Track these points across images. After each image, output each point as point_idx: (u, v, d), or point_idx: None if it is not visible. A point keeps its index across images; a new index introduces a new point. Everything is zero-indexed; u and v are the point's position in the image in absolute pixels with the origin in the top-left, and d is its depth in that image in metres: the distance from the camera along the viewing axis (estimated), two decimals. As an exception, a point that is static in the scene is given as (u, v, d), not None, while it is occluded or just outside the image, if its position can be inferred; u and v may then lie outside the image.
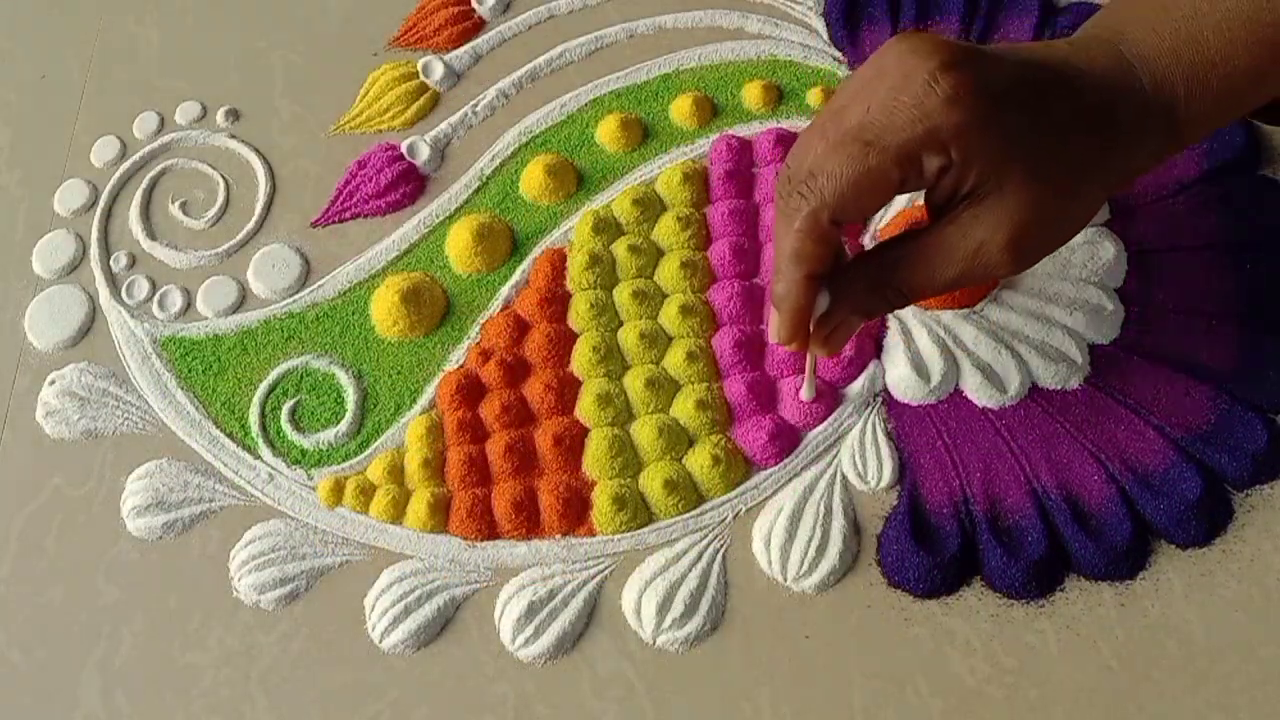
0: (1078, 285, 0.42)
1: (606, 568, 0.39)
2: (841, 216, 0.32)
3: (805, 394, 0.40)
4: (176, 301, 0.46)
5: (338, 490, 0.41)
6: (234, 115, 0.50)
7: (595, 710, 0.37)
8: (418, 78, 0.50)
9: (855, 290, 0.34)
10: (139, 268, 0.47)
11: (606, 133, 0.48)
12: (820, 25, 0.50)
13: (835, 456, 0.41)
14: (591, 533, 0.40)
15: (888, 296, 0.34)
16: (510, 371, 0.42)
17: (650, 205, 0.46)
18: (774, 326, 0.35)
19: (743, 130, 0.48)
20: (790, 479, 0.40)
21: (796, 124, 0.48)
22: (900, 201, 0.44)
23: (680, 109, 0.48)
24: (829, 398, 0.41)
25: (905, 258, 0.33)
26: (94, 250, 0.47)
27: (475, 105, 0.49)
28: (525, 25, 0.52)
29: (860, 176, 0.31)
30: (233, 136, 0.49)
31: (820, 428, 0.41)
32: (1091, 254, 0.43)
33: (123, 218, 0.48)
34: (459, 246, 0.45)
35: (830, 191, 0.31)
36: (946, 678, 0.37)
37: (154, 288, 0.46)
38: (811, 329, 0.35)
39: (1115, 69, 0.33)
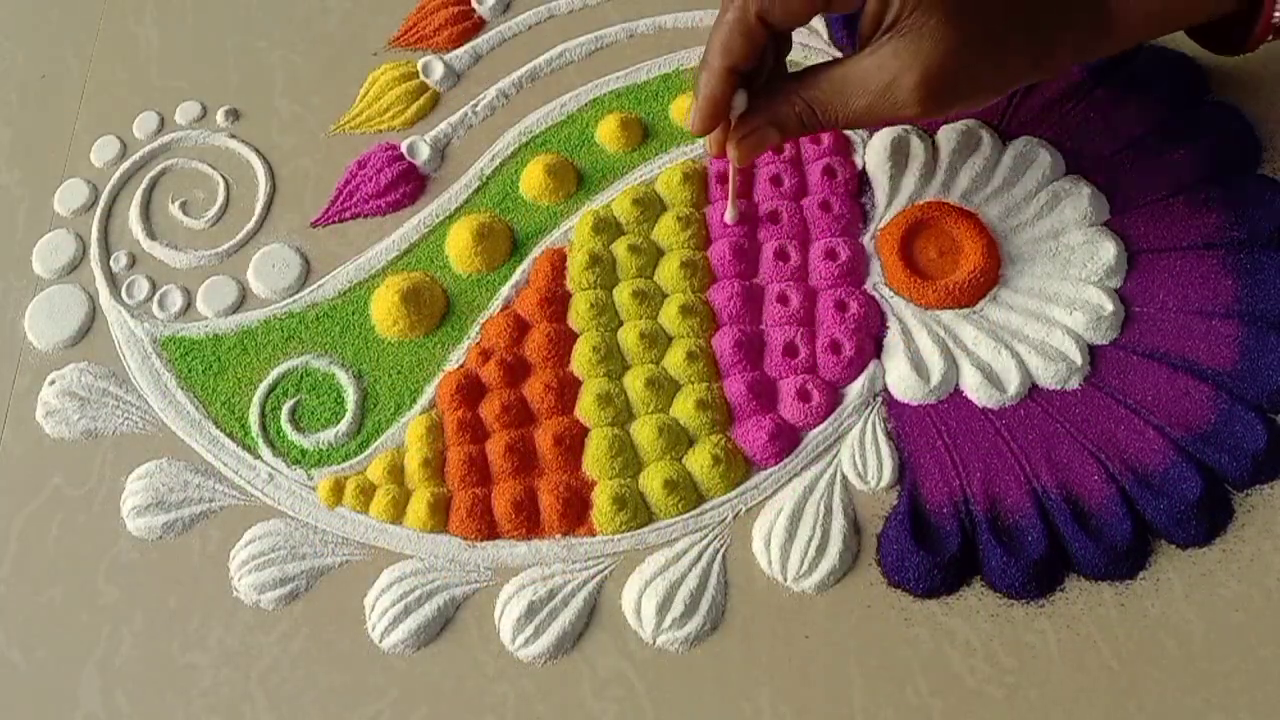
0: (1077, 285, 0.42)
1: (606, 568, 0.39)
2: (769, 14, 0.33)
3: (729, 216, 0.43)
4: (176, 301, 0.46)
5: (338, 490, 0.41)
6: (234, 115, 0.50)
7: (595, 710, 0.37)
8: (418, 77, 0.50)
9: (773, 102, 0.36)
10: (139, 267, 0.47)
11: (606, 133, 0.48)
12: (820, 25, 0.50)
13: (835, 456, 0.41)
14: (591, 533, 0.40)
15: (801, 115, 0.36)
16: (510, 371, 0.42)
17: (650, 205, 0.46)
18: (692, 117, 0.36)
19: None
20: (790, 479, 0.40)
21: (796, 124, 0.48)
22: (901, 199, 0.44)
23: (680, 109, 0.48)
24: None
25: (824, 81, 0.35)
26: (94, 250, 0.47)
27: (475, 105, 0.49)
28: (525, 25, 0.52)
29: None
30: (233, 136, 0.50)
31: (820, 427, 0.41)
32: (1091, 254, 0.43)
33: (123, 217, 0.48)
34: (459, 246, 0.45)
35: None
36: (946, 677, 0.37)
37: (154, 287, 0.46)
38: (731, 129, 0.37)
39: None
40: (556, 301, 0.44)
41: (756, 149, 0.38)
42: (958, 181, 0.45)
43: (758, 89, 0.37)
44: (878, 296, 0.43)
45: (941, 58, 0.33)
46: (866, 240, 0.44)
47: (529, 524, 0.40)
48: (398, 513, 0.41)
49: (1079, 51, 0.36)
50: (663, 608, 0.38)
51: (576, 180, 0.47)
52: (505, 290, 0.45)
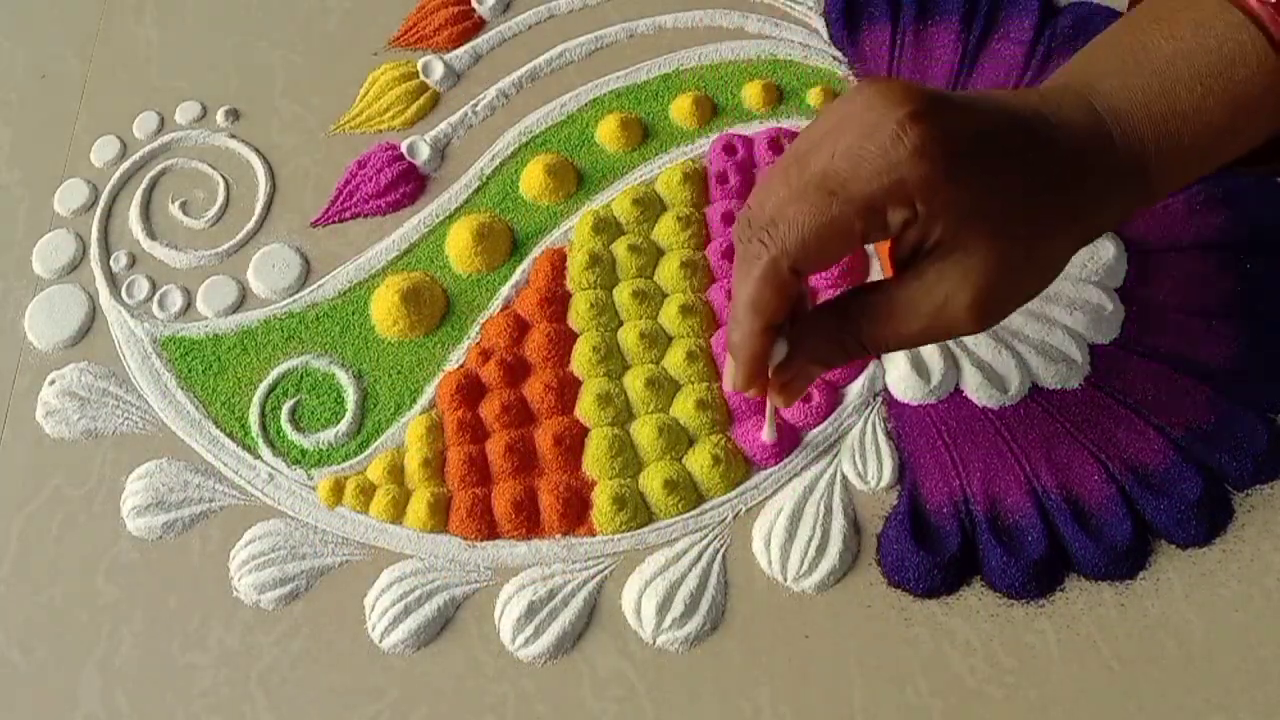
0: (1078, 285, 0.42)
1: (606, 567, 0.39)
2: (802, 266, 0.31)
3: (766, 435, 0.40)
4: (176, 301, 0.46)
5: (338, 490, 0.41)
6: (234, 115, 0.50)
7: (595, 710, 0.37)
8: (418, 77, 0.50)
9: (816, 341, 0.33)
10: (139, 267, 0.47)
11: (606, 133, 0.48)
12: (820, 25, 0.50)
13: (835, 456, 0.41)
14: (591, 532, 0.40)
15: (848, 348, 0.33)
16: (510, 371, 0.42)
17: (650, 205, 0.46)
18: (729, 374, 0.34)
19: (743, 130, 0.48)
20: (790, 479, 0.40)
21: (797, 124, 0.48)
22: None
23: (680, 109, 0.48)
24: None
25: (868, 310, 0.33)
26: (94, 250, 0.47)
27: (475, 105, 0.49)
28: (525, 25, 0.52)
29: (823, 226, 0.30)
30: (233, 136, 0.50)
31: (820, 427, 0.41)
32: (1092, 254, 0.43)
33: (123, 217, 0.48)
34: (459, 246, 0.45)
35: (792, 240, 0.30)
36: (946, 677, 0.37)
37: (154, 287, 0.46)
38: (770, 376, 0.34)
39: (1086, 122, 0.32)
40: (556, 301, 0.44)
41: (802, 390, 0.35)
42: (958, 181, 0.45)
43: (793, 322, 0.34)
44: (878, 296, 0.43)
45: (991, 276, 0.31)
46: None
47: (529, 524, 0.40)
48: (398, 513, 0.41)
49: (1124, 215, 0.34)
50: (663, 608, 0.38)
51: (576, 180, 0.47)
52: (505, 290, 0.45)
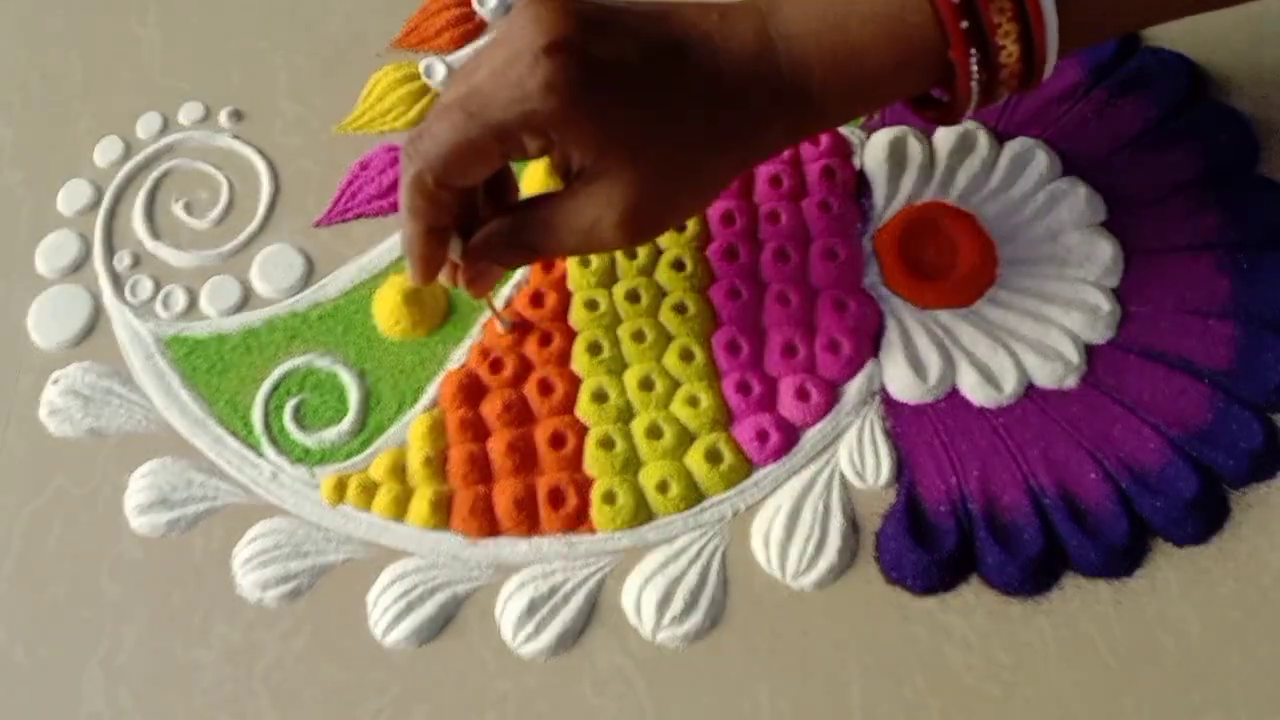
0: (1075, 284, 0.42)
1: (607, 565, 0.39)
2: (446, 180, 0.33)
3: (499, 328, 0.43)
4: (180, 301, 0.46)
5: (340, 488, 0.41)
6: (237, 116, 0.50)
7: (596, 707, 0.37)
8: (420, 79, 0.50)
9: (492, 244, 0.36)
10: (142, 267, 0.47)
11: (607, 133, 0.48)
12: None
13: (833, 455, 0.41)
14: (592, 530, 0.40)
15: (520, 253, 0.36)
16: (511, 370, 0.43)
17: (650, 205, 0.46)
18: (409, 271, 0.37)
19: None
20: (789, 477, 0.40)
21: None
22: (900, 200, 0.45)
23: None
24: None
25: (532, 222, 0.35)
26: (97, 250, 0.47)
27: (476, 106, 0.50)
28: (526, 26, 0.52)
29: (461, 145, 0.32)
30: (236, 137, 0.50)
31: (819, 426, 0.41)
32: (1088, 253, 0.43)
33: (126, 218, 0.48)
34: (460, 246, 0.45)
35: (434, 155, 0.32)
36: (944, 674, 0.37)
37: (157, 287, 0.46)
38: (460, 270, 0.37)
39: (755, 46, 0.33)
40: (556, 300, 0.44)
41: (487, 286, 0.38)
42: (955, 182, 0.45)
43: (481, 222, 0.37)
44: (876, 296, 0.43)
45: (635, 199, 0.33)
46: (865, 240, 0.44)
47: (530, 522, 0.40)
48: (400, 510, 0.41)
49: (788, 140, 0.36)
50: (662, 605, 0.38)
51: (577, 181, 0.47)
52: (506, 289, 0.45)
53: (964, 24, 0.31)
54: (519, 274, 0.45)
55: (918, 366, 0.41)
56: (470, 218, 0.37)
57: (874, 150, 0.46)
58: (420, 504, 0.40)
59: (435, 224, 0.35)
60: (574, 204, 0.34)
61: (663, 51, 0.32)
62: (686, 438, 0.41)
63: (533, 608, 0.38)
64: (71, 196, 0.49)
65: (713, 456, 0.40)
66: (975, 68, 0.32)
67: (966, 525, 0.39)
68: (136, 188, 0.49)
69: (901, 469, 0.40)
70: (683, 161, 0.33)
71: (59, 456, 0.43)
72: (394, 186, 0.47)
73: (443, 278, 0.38)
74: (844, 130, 0.46)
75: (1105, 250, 0.43)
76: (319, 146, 0.49)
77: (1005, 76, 0.33)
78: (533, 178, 0.46)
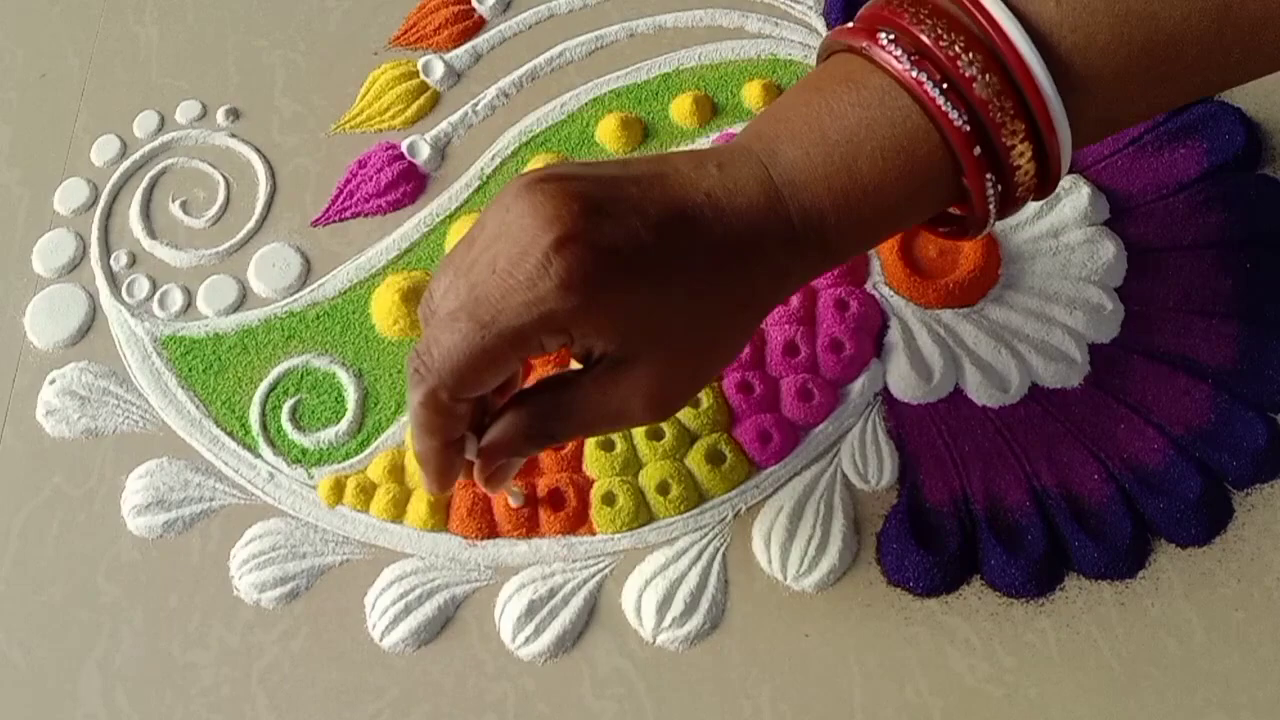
0: (1078, 284, 0.42)
1: (606, 566, 0.39)
2: (461, 393, 0.31)
3: (513, 502, 0.40)
4: (177, 300, 0.46)
5: (338, 489, 0.41)
6: (234, 114, 0.50)
7: (595, 709, 0.37)
8: (418, 77, 0.50)
9: (509, 438, 0.33)
10: (139, 267, 0.47)
11: (606, 132, 0.48)
12: (820, 25, 0.50)
13: (835, 455, 0.41)
14: (591, 531, 0.40)
15: (540, 442, 0.34)
16: (510, 370, 0.42)
17: (650, 204, 0.46)
18: (425, 483, 0.34)
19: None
20: (790, 478, 0.40)
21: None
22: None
23: (680, 108, 0.48)
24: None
25: (553, 410, 0.33)
26: (94, 249, 0.47)
27: (475, 104, 0.49)
28: (525, 24, 0.52)
29: (475, 357, 0.30)
30: (233, 135, 0.50)
31: (821, 427, 0.41)
32: (1091, 253, 0.43)
33: (123, 216, 0.48)
34: (459, 245, 0.45)
35: (447, 370, 0.30)
36: (946, 676, 0.37)
37: (154, 287, 0.46)
38: (475, 470, 0.34)
39: (763, 200, 0.31)
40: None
41: (505, 480, 0.35)
42: (958, 181, 0.45)
43: (491, 412, 0.34)
44: (878, 296, 0.43)
45: (663, 380, 0.31)
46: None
47: (529, 523, 0.40)
48: (398, 511, 0.41)
49: (805, 282, 0.34)
50: (663, 606, 0.38)
51: (577, 179, 0.47)
52: None
53: (976, 150, 0.30)
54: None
55: (920, 366, 0.41)
56: (481, 410, 0.34)
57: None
58: (419, 505, 0.40)
59: (451, 438, 0.32)
60: (598, 390, 0.32)
61: (671, 223, 0.30)
62: (687, 438, 0.41)
63: (532, 609, 0.38)
64: (68, 195, 0.48)
65: (714, 457, 0.40)
66: (990, 191, 0.31)
67: (969, 526, 0.39)
68: (133, 187, 0.49)
69: (904, 470, 0.40)
70: (708, 333, 0.32)
71: (56, 457, 0.43)
72: (392, 185, 0.47)
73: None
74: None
75: (1108, 249, 0.43)
76: (316, 145, 0.49)
77: (1022, 192, 0.31)
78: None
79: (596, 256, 0.29)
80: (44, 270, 0.47)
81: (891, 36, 0.30)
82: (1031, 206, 0.44)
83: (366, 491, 0.41)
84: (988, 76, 0.29)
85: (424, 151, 0.48)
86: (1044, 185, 0.32)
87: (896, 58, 0.30)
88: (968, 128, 0.29)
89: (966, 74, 0.29)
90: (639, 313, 0.30)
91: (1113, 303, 0.42)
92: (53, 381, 0.44)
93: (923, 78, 0.29)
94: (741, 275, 0.31)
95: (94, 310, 0.46)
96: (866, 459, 0.40)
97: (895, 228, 0.33)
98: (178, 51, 0.52)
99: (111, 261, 0.47)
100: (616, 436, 0.41)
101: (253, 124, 0.50)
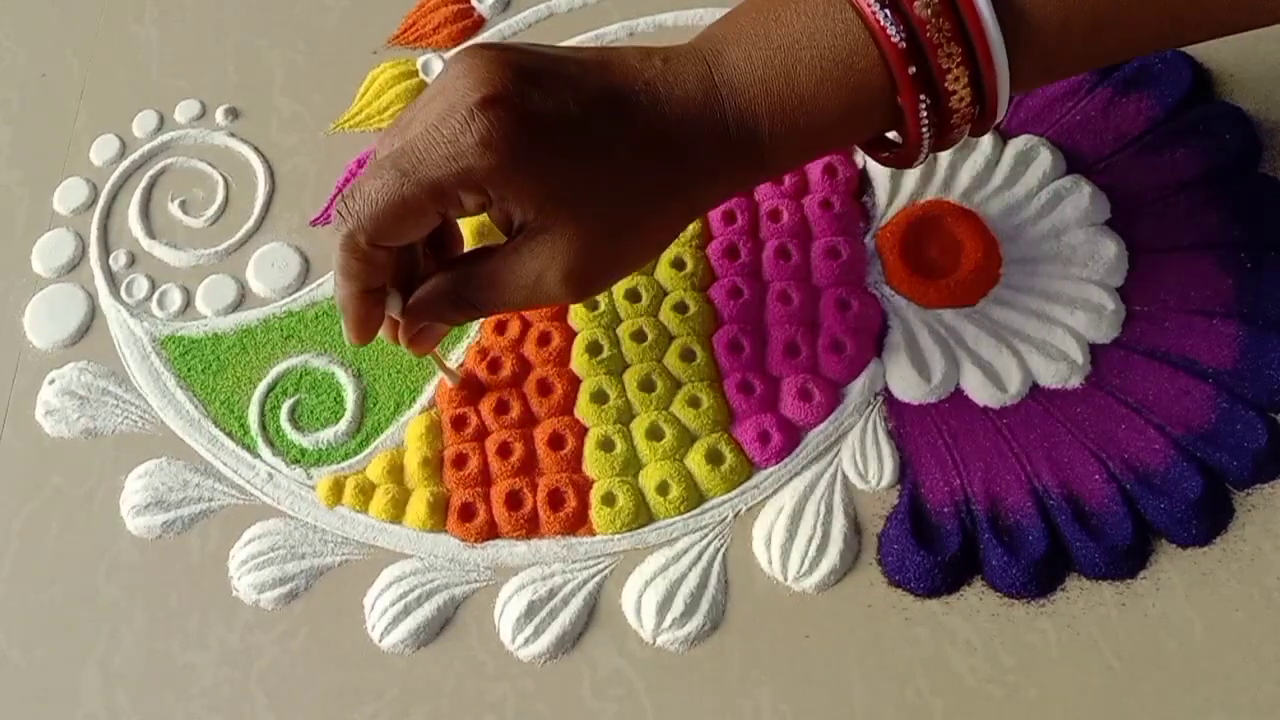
0: (1079, 284, 0.42)
1: (606, 567, 0.39)
2: (379, 240, 0.31)
3: (448, 381, 0.41)
4: (176, 300, 0.46)
5: (337, 489, 0.41)
6: (233, 114, 0.50)
7: (595, 709, 0.37)
8: (417, 76, 0.50)
9: (433, 302, 0.34)
10: (138, 266, 0.47)
11: (606, 131, 0.48)
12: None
13: (836, 456, 0.40)
14: (591, 532, 0.40)
15: (463, 309, 0.34)
16: (510, 370, 0.42)
17: (650, 204, 0.45)
18: (345, 332, 0.35)
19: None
20: (791, 478, 0.40)
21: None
22: (902, 199, 0.44)
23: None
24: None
25: (475, 279, 0.34)
26: (93, 249, 0.47)
27: (475, 104, 0.49)
28: (525, 23, 0.51)
29: (394, 204, 0.31)
30: (232, 135, 0.49)
31: (821, 427, 0.41)
32: (1092, 253, 0.43)
33: (122, 216, 0.48)
34: (459, 245, 0.45)
35: (366, 215, 0.31)
36: (947, 677, 0.37)
37: (153, 286, 0.46)
38: (400, 329, 0.35)
39: (701, 96, 0.32)
40: (556, 300, 0.44)
41: (430, 344, 0.36)
42: (958, 180, 0.45)
43: (422, 277, 0.35)
44: (879, 296, 0.43)
45: (579, 254, 0.32)
46: (867, 239, 0.44)
47: (528, 523, 0.40)
48: (397, 512, 0.40)
49: (737, 188, 0.35)
50: (663, 607, 0.38)
51: (576, 179, 0.47)
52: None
53: (912, 69, 0.30)
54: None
55: (921, 366, 0.41)
56: (410, 272, 0.35)
57: (875, 148, 0.45)
58: (418, 505, 0.40)
59: (370, 285, 0.33)
60: (517, 260, 0.32)
61: (604, 102, 0.31)
62: (687, 438, 0.41)
63: (531, 610, 0.38)
64: (68, 195, 0.48)
65: (714, 457, 0.40)
66: (925, 112, 0.31)
67: (970, 527, 0.39)
68: (133, 186, 0.49)
69: (904, 470, 0.40)
70: (628, 215, 0.32)
71: (55, 457, 0.43)
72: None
73: (384, 334, 0.36)
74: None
75: (1109, 249, 0.43)
76: (316, 144, 0.49)
77: (957, 120, 0.32)
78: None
79: (519, 120, 0.30)
80: (44, 270, 0.47)
81: None
82: (1032, 206, 0.44)
83: (365, 492, 0.41)
84: None
85: (423, 151, 0.48)
86: (981, 119, 0.32)
87: None
88: (904, 44, 0.30)
89: None
90: (558, 182, 0.31)
91: (1114, 303, 0.42)
92: (52, 381, 0.44)
93: None
94: (669, 164, 0.32)
95: (93, 310, 0.46)
96: (867, 459, 0.40)
97: (830, 143, 0.33)
98: (177, 51, 0.52)
99: (111, 261, 0.47)
100: (617, 437, 0.41)
101: (252, 123, 0.50)
